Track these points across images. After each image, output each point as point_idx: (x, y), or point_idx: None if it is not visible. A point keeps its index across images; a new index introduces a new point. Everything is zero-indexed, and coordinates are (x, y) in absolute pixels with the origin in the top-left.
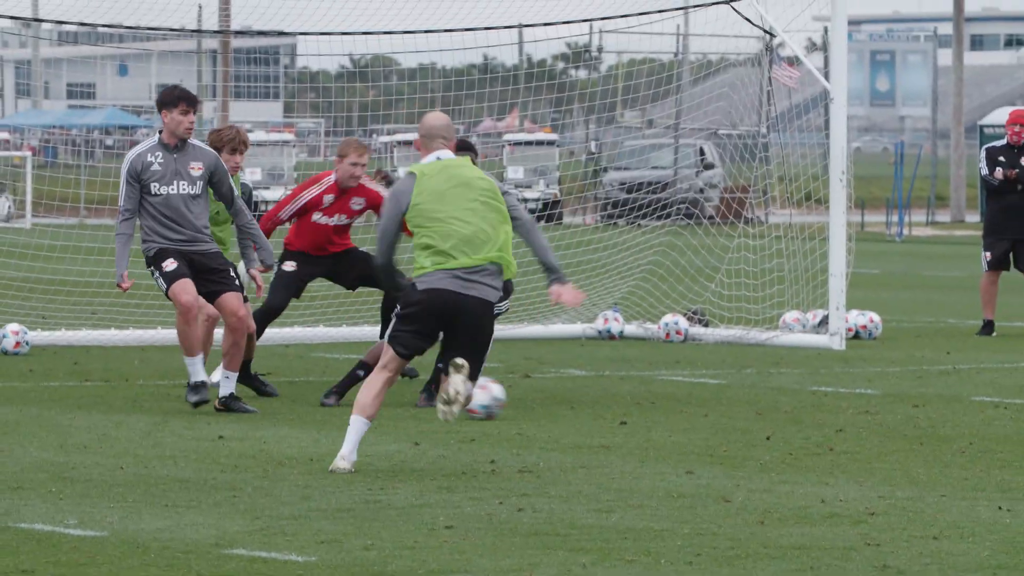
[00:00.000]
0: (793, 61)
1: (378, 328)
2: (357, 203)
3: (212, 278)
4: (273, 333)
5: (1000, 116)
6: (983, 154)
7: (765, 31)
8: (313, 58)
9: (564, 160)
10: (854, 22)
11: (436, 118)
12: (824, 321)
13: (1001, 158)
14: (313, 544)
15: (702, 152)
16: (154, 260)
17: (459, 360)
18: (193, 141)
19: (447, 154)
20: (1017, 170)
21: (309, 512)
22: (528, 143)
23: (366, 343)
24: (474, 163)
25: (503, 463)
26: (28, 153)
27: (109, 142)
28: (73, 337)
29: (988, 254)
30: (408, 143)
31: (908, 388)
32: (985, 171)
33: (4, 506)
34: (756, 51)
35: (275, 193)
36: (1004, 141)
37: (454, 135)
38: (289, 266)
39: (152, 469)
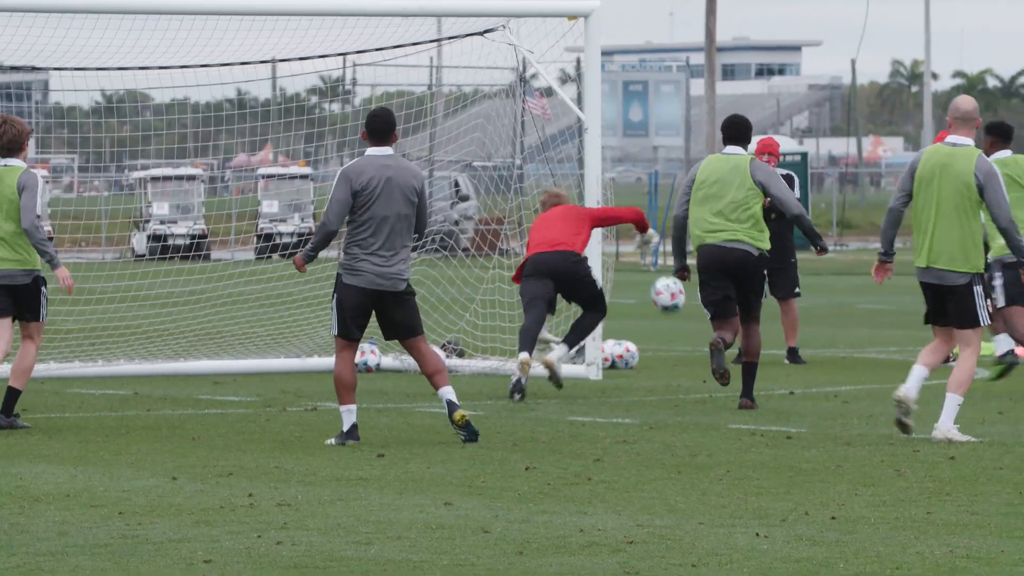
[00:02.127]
0: (546, 92)
1: None
2: None
3: None
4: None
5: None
6: None
7: (520, 62)
8: (65, 93)
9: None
10: (607, 53)
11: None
12: (581, 351)
13: None
14: None
15: (457, 184)
16: None
17: None
18: None
19: None
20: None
21: (66, 548)
22: (282, 177)
23: (129, 379)
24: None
25: (261, 497)
26: None
27: None
28: None
29: None
30: (164, 178)
31: (665, 417)
32: None
33: None
34: (509, 82)
35: None
36: None
37: None
38: None
39: None
